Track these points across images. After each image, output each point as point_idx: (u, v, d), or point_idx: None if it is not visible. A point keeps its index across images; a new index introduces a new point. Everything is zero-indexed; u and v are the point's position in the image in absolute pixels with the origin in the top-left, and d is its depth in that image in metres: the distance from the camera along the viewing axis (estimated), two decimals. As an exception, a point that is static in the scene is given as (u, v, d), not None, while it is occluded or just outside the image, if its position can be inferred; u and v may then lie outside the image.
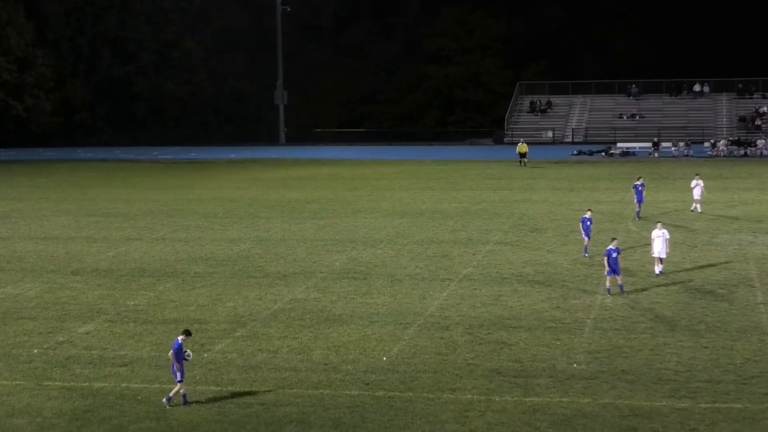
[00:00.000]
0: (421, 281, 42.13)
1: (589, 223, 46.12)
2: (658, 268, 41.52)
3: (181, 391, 27.29)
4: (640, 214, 56.68)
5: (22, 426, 26.17)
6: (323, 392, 28.05)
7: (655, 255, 41.53)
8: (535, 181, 78.34)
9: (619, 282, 38.89)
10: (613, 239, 39.90)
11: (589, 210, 47.72)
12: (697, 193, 58.48)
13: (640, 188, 57.03)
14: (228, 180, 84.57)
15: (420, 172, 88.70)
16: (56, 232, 57.44)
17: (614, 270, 38.68)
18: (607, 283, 39.05)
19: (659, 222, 42.63)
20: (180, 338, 27.65)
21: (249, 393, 28.06)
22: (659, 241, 41.16)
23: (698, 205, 58.63)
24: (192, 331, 29.21)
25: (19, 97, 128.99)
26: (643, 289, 39.44)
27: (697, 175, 59.93)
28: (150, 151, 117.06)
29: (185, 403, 27.20)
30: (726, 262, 44.54)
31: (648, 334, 33.21)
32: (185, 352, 27.54)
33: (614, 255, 38.56)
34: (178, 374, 27.22)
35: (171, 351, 27.55)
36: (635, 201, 57.47)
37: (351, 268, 45.22)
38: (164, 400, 27.28)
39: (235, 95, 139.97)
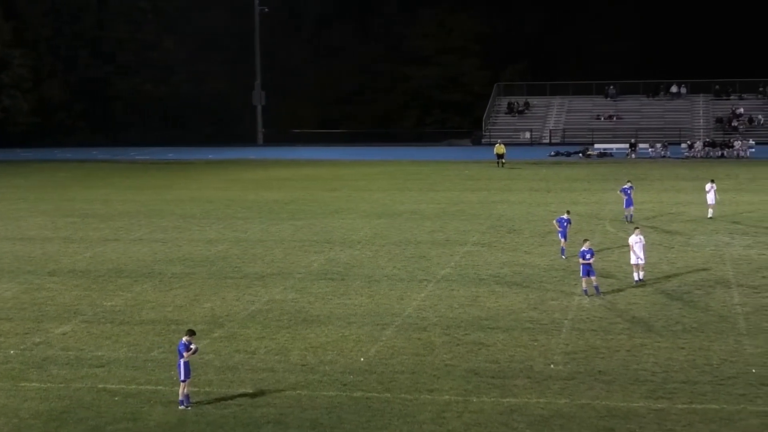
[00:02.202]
0: (398, 282, 42.14)
1: (566, 223, 46.19)
2: (637, 275, 40.71)
3: (185, 390, 27.17)
4: (632, 218, 55.78)
5: (-2, 427, 26.10)
6: (301, 393, 28.02)
7: (634, 262, 40.61)
8: (512, 182, 78.53)
9: (594, 283, 38.96)
10: (585, 240, 39.90)
11: (567, 211, 47.76)
12: (711, 198, 57.52)
13: (629, 191, 56.49)
14: (206, 181, 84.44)
15: (398, 172, 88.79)
16: (33, 232, 57.22)
17: (588, 271, 38.74)
18: (583, 285, 39.10)
19: (637, 228, 42.17)
20: (184, 339, 27.39)
21: (226, 394, 28.00)
22: (638, 247, 40.24)
23: (711, 210, 57.52)
24: (184, 331, 28.65)
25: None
26: (619, 290, 39.54)
27: (712, 180, 59.13)
28: (128, 152, 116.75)
29: (188, 404, 27.06)
30: (703, 264, 44.69)
31: (625, 335, 33.30)
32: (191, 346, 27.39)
33: (587, 256, 38.61)
34: (182, 373, 27.05)
35: (187, 353, 27.21)
36: (624, 205, 56.65)
37: (329, 268, 45.20)
38: (180, 406, 27.00)
39: (214, 96, 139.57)
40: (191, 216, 62.38)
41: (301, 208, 64.93)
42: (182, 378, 27.08)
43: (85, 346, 33.37)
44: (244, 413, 26.54)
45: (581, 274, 39.04)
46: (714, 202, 57.72)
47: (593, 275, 38.81)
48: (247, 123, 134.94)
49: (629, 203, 56.53)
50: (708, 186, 57.97)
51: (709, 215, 57.23)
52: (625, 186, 57.24)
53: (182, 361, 27.06)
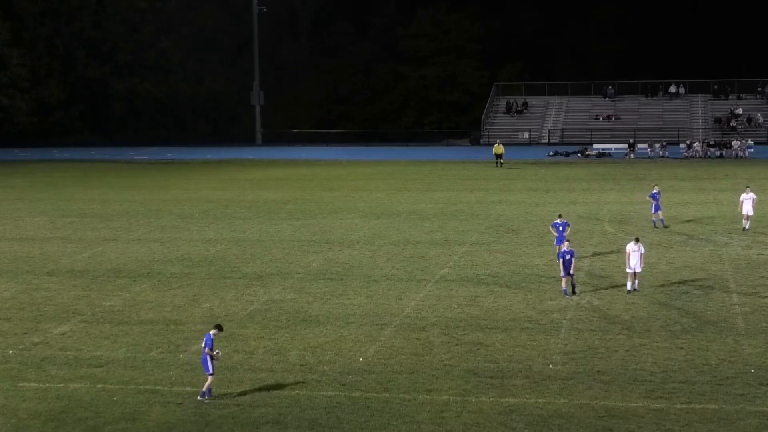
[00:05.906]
0: (397, 282, 42.12)
1: (561, 228, 45.43)
2: (631, 284, 39.58)
3: (209, 384, 27.51)
4: (665, 222, 54.55)
5: (-3, 427, 26.07)
6: (299, 393, 28.01)
7: (630, 270, 39.50)
8: (511, 182, 78.53)
9: (572, 282, 38.92)
10: (567, 241, 39.94)
11: (560, 215, 47.10)
12: (747, 207, 52.72)
13: (657, 196, 54.33)
14: (204, 181, 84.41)
15: (396, 172, 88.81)
16: (31, 232, 57.18)
17: (568, 271, 38.60)
18: (563, 284, 38.98)
19: (637, 237, 41.00)
20: (212, 332, 27.77)
21: (225, 394, 27.98)
22: (635, 255, 39.18)
23: (747, 222, 53.00)
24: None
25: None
26: (618, 291, 39.51)
27: (748, 187, 54.94)
28: (126, 152, 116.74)
29: (209, 396, 27.44)
30: (701, 264, 44.69)
31: (623, 335, 33.29)
32: (214, 350, 27.73)
33: (567, 257, 38.54)
34: (210, 367, 27.44)
35: (204, 346, 27.58)
36: (652, 210, 54.53)
37: (327, 268, 45.18)
38: (199, 397, 27.47)
39: (212, 96, 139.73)
40: (189, 216, 62.35)
41: (300, 208, 64.91)
42: (209, 372, 27.45)
43: (83, 346, 33.35)
44: (243, 413, 26.53)
45: (561, 274, 38.96)
46: (752, 213, 53.06)
47: (569, 275, 38.68)
48: (246, 123, 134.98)
49: (657, 208, 54.36)
50: (744, 195, 53.26)
51: (746, 227, 53.06)
52: (654, 191, 55.00)
53: (206, 354, 27.35)
